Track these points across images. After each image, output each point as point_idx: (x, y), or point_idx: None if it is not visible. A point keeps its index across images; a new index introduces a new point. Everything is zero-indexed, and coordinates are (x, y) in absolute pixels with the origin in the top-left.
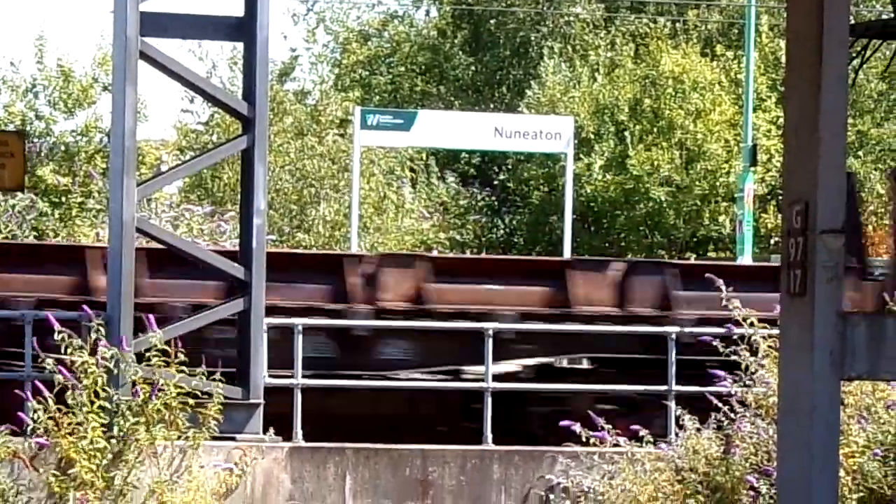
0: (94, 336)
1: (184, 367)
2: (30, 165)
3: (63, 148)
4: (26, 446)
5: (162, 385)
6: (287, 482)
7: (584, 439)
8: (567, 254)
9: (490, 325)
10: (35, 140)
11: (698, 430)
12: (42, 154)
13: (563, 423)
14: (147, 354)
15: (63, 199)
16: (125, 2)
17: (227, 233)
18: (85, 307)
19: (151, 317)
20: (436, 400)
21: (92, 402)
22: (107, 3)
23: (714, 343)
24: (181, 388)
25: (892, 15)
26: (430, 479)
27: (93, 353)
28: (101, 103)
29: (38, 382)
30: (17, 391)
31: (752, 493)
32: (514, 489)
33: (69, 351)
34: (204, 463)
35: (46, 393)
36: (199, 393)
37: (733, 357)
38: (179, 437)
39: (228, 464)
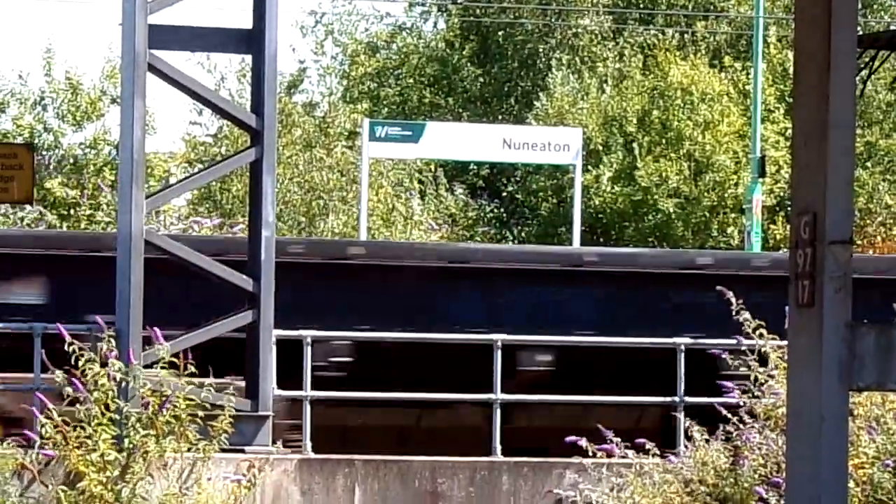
0: (105, 348)
1: (193, 380)
2: (38, 178)
3: (72, 160)
4: (34, 458)
5: (172, 397)
6: (296, 494)
7: (591, 452)
8: None
9: (499, 337)
10: (44, 153)
11: (707, 441)
12: (51, 167)
13: (570, 438)
14: (156, 366)
15: (72, 211)
16: (134, 14)
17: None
18: (98, 319)
19: (157, 329)
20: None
21: (102, 415)
22: (115, 15)
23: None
24: (191, 399)
25: None
26: (439, 490)
27: (103, 365)
28: (109, 116)
29: (41, 395)
30: (24, 405)
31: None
32: (522, 501)
33: (80, 363)
34: (213, 475)
35: (51, 406)
36: (208, 405)
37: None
38: (189, 450)
39: (237, 476)
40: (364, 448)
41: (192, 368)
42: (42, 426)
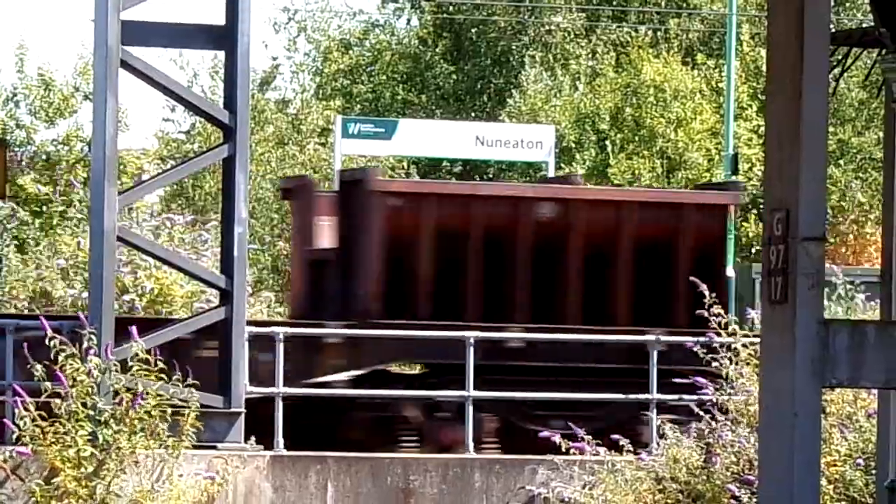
0: (85, 345)
1: (163, 376)
2: (10, 174)
3: (44, 157)
4: (7, 455)
5: (143, 394)
6: (269, 491)
7: (563, 449)
8: None
9: (472, 335)
10: (16, 149)
11: (679, 438)
12: (23, 163)
13: (543, 433)
14: (129, 364)
15: (44, 208)
16: (106, 10)
17: (209, 242)
18: (80, 314)
19: (133, 327)
20: None
21: (80, 411)
22: (88, 11)
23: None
24: (161, 395)
25: (873, 23)
26: (411, 487)
27: (82, 361)
28: (82, 112)
29: (19, 390)
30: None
31: (733, 501)
32: (495, 498)
33: (60, 359)
34: (185, 472)
35: (29, 401)
36: (180, 402)
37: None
38: (160, 446)
39: (209, 472)
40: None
41: (161, 364)
42: (21, 419)
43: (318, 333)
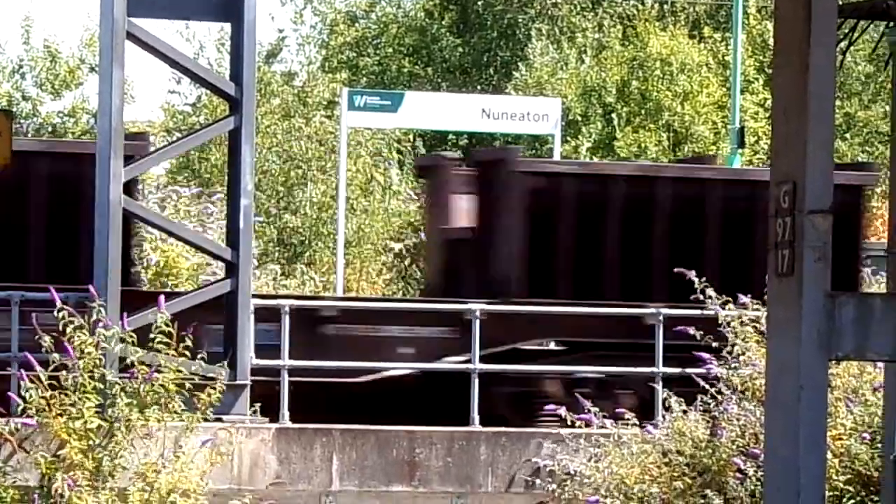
0: (94, 316)
1: (186, 351)
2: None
3: (50, 129)
4: (12, 427)
5: (158, 367)
6: (274, 463)
7: (569, 422)
8: None
9: (477, 307)
10: (21, 121)
11: (685, 412)
12: (29, 135)
13: (548, 406)
14: (149, 336)
15: None
16: None
17: (215, 214)
18: (90, 287)
19: (161, 297)
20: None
21: (87, 384)
22: None
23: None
24: (179, 371)
25: None
26: (416, 460)
27: (90, 333)
28: (88, 84)
29: (30, 360)
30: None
31: (739, 475)
32: (500, 470)
33: (68, 331)
34: (190, 444)
35: (40, 369)
36: (193, 375)
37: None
38: (173, 420)
39: (215, 445)
40: None
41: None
42: (27, 391)
43: (324, 304)
